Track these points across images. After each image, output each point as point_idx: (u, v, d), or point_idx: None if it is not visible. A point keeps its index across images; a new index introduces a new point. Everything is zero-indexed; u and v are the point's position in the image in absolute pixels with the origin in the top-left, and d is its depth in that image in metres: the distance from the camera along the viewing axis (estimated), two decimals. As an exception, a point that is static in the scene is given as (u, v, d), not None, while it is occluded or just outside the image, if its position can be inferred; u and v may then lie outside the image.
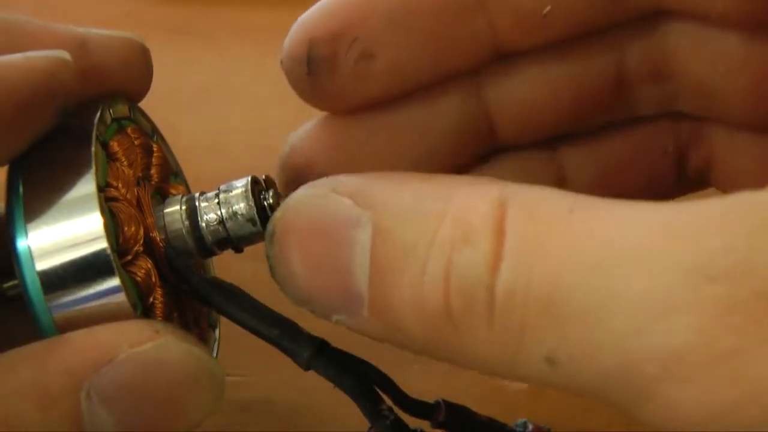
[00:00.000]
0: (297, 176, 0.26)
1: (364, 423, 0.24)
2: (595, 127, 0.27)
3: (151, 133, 0.27)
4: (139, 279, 0.23)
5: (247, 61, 0.45)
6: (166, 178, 0.26)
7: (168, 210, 0.24)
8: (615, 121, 0.27)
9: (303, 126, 0.26)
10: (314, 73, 0.25)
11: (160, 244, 0.24)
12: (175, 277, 0.24)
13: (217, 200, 0.24)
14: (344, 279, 0.21)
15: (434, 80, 0.26)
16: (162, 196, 0.26)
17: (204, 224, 0.24)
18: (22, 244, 0.22)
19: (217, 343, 0.27)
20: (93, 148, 0.23)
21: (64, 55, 0.23)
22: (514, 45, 0.26)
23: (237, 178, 0.25)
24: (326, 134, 0.26)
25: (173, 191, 0.26)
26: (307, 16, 0.25)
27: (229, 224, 0.24)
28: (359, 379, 0.23)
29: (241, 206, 0.24)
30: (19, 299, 0.24)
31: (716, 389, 0.17)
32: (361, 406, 0.23)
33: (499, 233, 0.20)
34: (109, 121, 0.24)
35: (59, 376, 0.22)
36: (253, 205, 0.24)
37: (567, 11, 0.25)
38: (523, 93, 0.26)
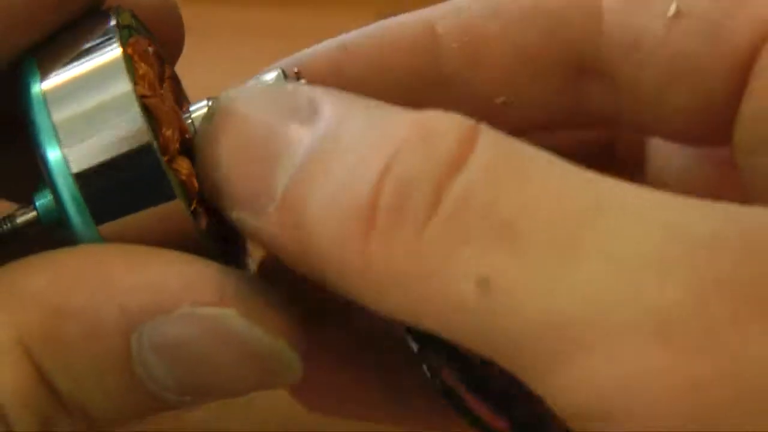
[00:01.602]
0: None
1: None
2: (539, 96, 0.26)
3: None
4: (183, 178, 0.22)
5: (247, 61, 0.45)
6: (179, 93, 0.25)
7: (195, 107, 0.23)
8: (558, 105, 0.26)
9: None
10: None
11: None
12: None
13: None
14: (266, 172, 0.20)
15: None
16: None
17: None
18: (53, 154, 0.21)
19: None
20: (120, 50, 0.22)
21: None
22: None
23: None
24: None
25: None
26: None
27: None
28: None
29: None
30: (17, 236, 0.22)
31: (693, 359, 0.16)
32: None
33: (467, 143, 0.18)
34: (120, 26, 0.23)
35: (112, 310, 0.20)
36: None
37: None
38: (474, 25, 0.25)
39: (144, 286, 0.20)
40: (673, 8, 0.23)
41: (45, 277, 0.21)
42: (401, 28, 0.25)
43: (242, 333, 0.21)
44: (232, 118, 0.21)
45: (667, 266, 0.16)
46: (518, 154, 0.18)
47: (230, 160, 0.21)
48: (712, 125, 0.24)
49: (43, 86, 0.22)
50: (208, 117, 0.22)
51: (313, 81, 0.24)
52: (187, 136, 0.23)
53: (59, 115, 0.21)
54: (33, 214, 0.23)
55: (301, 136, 0.20)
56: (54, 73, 0.22)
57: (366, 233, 0.18)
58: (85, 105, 0.21)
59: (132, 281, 0.21)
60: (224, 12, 0.48)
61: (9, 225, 0.23)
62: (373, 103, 0.20)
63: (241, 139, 0.21)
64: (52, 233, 0.23)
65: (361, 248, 0.18)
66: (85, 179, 0.21)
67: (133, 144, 0.21)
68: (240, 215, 0.21)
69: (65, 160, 0.21)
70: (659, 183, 0.25)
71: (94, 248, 0.21)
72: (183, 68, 0.26)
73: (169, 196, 0.21)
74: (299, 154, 0.20)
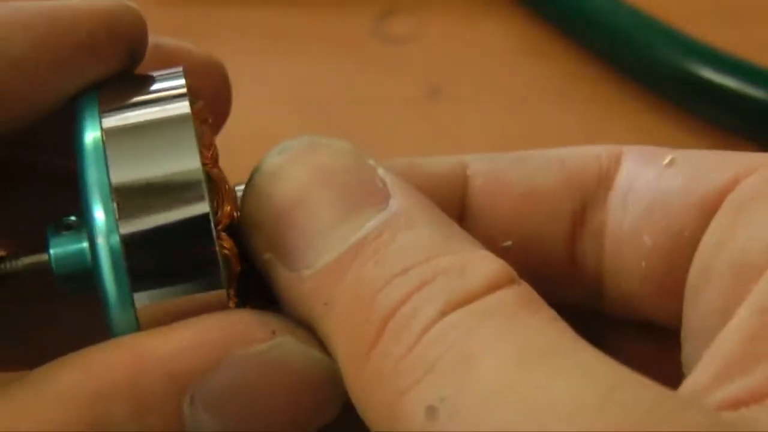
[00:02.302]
0: None
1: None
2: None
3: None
4: (227, 254, 0.21)
5: (247, 61, 0.45)
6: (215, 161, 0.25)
7: (239, 187, 0.23)
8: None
9: None
10: None
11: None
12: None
13: None
14: (315, 238, 0.20)
15: None
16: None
17: None
18: (102, 216, 0.20)
19: None
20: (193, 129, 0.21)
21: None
22: None
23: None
24: None
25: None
26: None
27: None
28: None
29: None
30: (13, 278, 0.21)
31: None
32: None
33: (492, 288, 0.19)
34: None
35: (159, 380, 0.19)
36: None
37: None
38: (501, 169, 0.25)
39: (186, 347, 0.20)
40: (669, 158, 0.24)
41: (77, 369, 0.20)
42: (434, 162, 0.26)
43: (300, 357, 0.20)
44: (305, 167, 0.21)
45: (571, 419, 0.16)
46: (522, 308, 0.19)
47: (284, 209, 0.21)
48: (674, 273, 0.23)
49: (105, 139, 0.20)
50: (282, 150, 0.21)
51: None
52: (236, 213, 0.22)
53: (118, 175, 0.20)
54: (43, 258, 0.21)
55: (363, 218, 0.20)
56: (119, 127, 0.21)
57: (375, 341, 0.19)
58: (147, 171, 0.20)
59: (171, 347, 0.20)
60: (224, 12, 0.48)
61: (8, 265, 0.21)
62: (441, 216, 0.21)
63: (304, 192, 0.21)
64: (58, 285, 0.21)
65: (365, 351, 0.19)
66: (133, 253, 0.20)
67: (194, 226, 0.20)
68: (271, 259, 0.21)
69: (117, 229, 0.20)
70: None
71: (121, 337, 0.20)
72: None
73: (216, 287, 0.20)
74: (354, 235, 0.20)
